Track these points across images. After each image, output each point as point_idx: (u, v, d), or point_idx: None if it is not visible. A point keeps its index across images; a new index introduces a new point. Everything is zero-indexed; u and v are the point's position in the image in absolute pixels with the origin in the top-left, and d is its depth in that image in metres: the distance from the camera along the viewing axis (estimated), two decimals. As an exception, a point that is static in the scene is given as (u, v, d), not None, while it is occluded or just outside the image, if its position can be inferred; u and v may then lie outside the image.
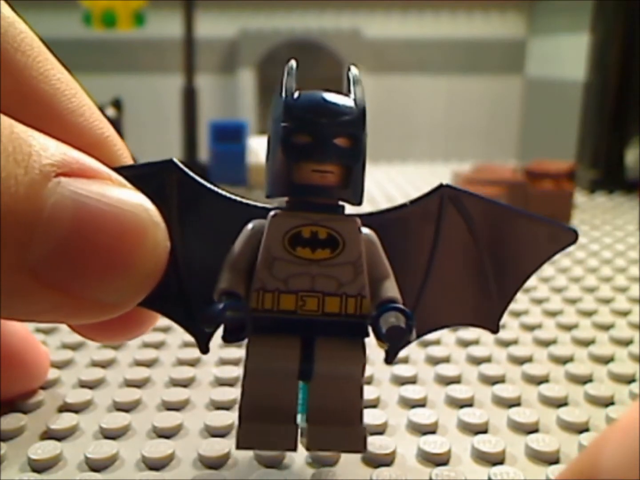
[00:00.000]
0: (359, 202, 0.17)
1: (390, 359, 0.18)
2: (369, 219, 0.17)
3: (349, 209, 0.17)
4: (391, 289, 0.17)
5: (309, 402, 0.17)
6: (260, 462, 0.20)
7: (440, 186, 0.18)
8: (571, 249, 0.45)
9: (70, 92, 0.16)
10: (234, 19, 1.64)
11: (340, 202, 0.17)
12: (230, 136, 0.57)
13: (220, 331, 0.16)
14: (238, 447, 0.16)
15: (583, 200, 0.61)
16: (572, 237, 0.18)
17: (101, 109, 0.53)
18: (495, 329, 0.19)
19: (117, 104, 0.50)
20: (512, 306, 0.34)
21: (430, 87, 1.73)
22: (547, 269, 0.40)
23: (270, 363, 0.16)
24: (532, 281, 0.38)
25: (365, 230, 0.17)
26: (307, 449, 0.17)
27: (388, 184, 0.68)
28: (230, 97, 1.63)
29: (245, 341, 0.16)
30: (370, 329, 0.16)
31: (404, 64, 1.72)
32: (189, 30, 0.65)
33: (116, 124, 0.49)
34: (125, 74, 1.64)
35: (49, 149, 0.14)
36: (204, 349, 0.18)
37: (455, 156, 1.16)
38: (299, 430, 0.16)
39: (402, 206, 0.18)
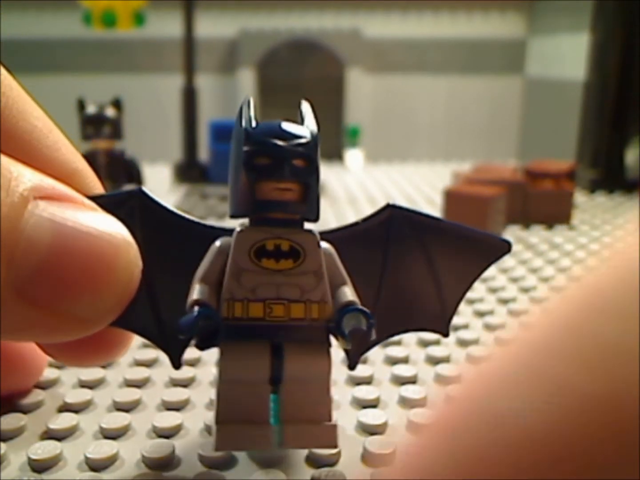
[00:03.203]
0: (315, 218, 0.18)
1: (352, 364, 0.20)
2: (325, 235, 0.19)
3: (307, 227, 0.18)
4: (350, 293, 0.18)
5: (280, 403, 0.17)
6: (260, 462, 0.20)
7: (387, 206, 0.20)
8: (571, 248, 0.45)
9: (47, 128, 0.18)
10: (234, 19, 1.64)
11: (299, 217, 0.18)
12: (230, 136, 0.57)
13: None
14: (216, 448, 0.17)
15: (583, 200, 0.61)
16: (506, 247, 0.20)
17: (101, 109, 0.53)
18: (446, 333, 0.21)
19: (117, 104, 0.50)
20: (511, 306, 0.34)
21: (430, 87, 1.73)
22: (547, 269, 0.40)
23: (242, 372, 0.17)
24: (531, 280, 0.38)
25: (323, 244, 0.18)
26: (283, 447, 0.17)
27: (388, 184, 0.68)
28: (230, 97, 1.63)
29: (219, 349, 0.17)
30: (333, 331, 0.18)
31: (404, 64, 1.72)
32: (189, 30, 0.65)
33: (116, 124, 0.49)
34: (125, 74, 1.64)
35: (26, 176, 0.15)
36: (177, 365, 0.19)
37: (455, 156, 1.16)
38: (273, 431, 0.17)
39: (355, 224, 0.20)
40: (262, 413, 0.17)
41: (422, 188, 0.66)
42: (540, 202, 0.51)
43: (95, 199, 0.17)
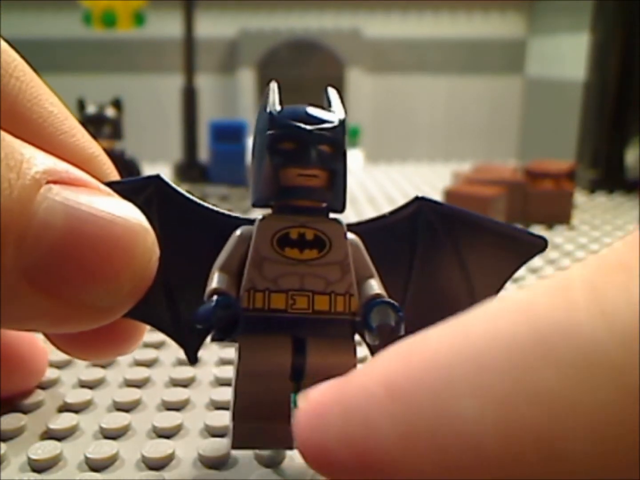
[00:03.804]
0: (341, 209, 0.17)
1: None
2: (352, 227, 0.18)
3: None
4: (377, 286, 0.17)
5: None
6: (260, 462, 0.20)
7: (416, 198, 0.19)
8: (571, 248, 0.45)
9: (63, 115, 0.17)
10: (234, 19, 1.64)
11: (325, 206, 0.17)
12: (230, 136, 0.58)
13: (207, 340, 0.17)
14: (233, 447, 0.16)
15: (583, 200, 0.61)
16: (542, 244, 0.19)
17: (101, 109, 0.53)
18: None
19: (117, 104, 0.50)
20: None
21: (430, 87, 1.73)
22: (546, 269, 0.40)
23: (262, 366, 0.16)
24: (531, 281, 0.38)
25: (350, 235, 0.17)
26: None
27: (388, 184, 0.68)
28: (230, 97, 1.63)
29: (237, 343, 0.17)
30: (358, 326, 0.17)
31: (404, 64, 1.72)
32: (189, 30, 0.65)
33: (116, 124, 0.49)
34: (125, 74, 1.64)
35: (39, 159, 0.14)
36: (193, 359, 0.18)
37: (455, 156, 1.16)
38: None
39: (382, 217, 0.19)
40: (283, 410, 0.16)
41: (422, 188, 0.66)
42: (540, 202, 0.51)
43: (111, 185, 0.16)
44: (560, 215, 0.52)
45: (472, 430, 0.08)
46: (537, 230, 0.50)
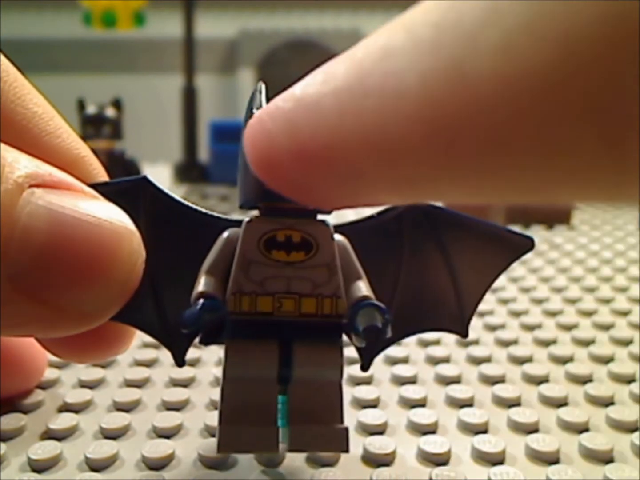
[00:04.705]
0: (329, 210, 0.17)
1: (366, 365, 0.19)
2: (339, 228, 0.18)
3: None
4: (365, 288, 0.17)
5: (289, 404, 0.17)
6: (260, 462, 0.20)
7: None
8: (571, 248, 0.45)
9: (48, 115, 0.17)
10: (234, 19, 1.64)
11: (312, 208, 0.17)
12: (230, 136, 0.58)
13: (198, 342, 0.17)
14: (219, 450, 0.16)
15: (583, 200, 0.61)
16: (529, 244, 0.19)
17: (101, 109, 0.53)
18: (464, 334, 0.20)
19: (117, 104, 0.50)
20: (513, 306, 0.34)
21: (430, 87, 1.73)
22: (547, 269, 0.40)
23: (248, 370, 0.16)
24: (532, 281, 0.38)
25: (337, 236, 0.17)
26: (290, 450, 0.17)
27: (388, 184, 0.68)
28: (230, 97, 1.63)
29: (224, 346, 0.17)
30: (345, 329, 0.17)
31: (404, 64, 1.72)
32: (189, 30, 0.66)
33: (116, 124, 0.49)
34: (125, 74, 1.64)
35: (22, 162, 0.14)
36: (180, 362, 0.18)
37: (455, 156, 1.16)
38: (280, 433, 0.17)
39: (370, 217, 0.19)
40: (269, 414, 0.17)
41: (422, 188, 0.66)
42: (540, 202, 0.51)
43: (96, 187, 0.16)
44: (560, 215, 0.52)
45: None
46: (537, 230, 0.50)
